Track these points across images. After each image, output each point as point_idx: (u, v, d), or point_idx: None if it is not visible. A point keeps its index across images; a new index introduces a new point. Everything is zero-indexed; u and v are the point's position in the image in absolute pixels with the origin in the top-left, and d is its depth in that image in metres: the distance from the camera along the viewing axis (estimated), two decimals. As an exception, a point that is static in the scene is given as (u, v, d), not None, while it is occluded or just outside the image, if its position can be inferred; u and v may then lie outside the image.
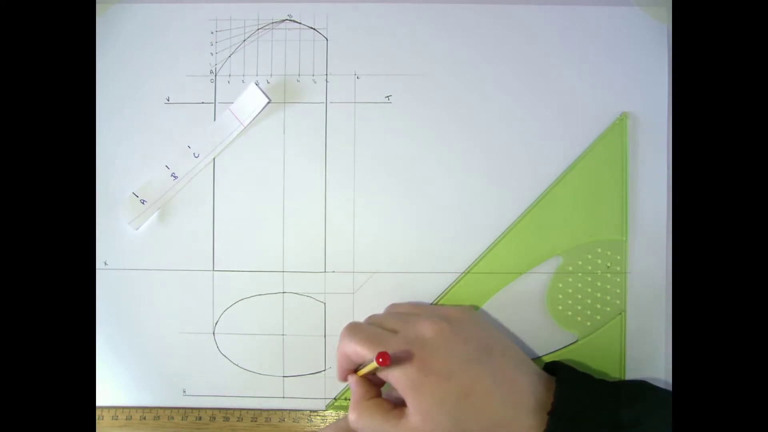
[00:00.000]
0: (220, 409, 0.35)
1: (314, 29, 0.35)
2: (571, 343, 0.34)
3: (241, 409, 0.35)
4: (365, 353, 0.28)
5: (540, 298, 0.35)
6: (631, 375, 0.34)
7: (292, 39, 0.35)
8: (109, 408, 0.35)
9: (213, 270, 0.35)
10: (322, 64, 0.35)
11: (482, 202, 0.35)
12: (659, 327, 0.34)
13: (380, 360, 0.25)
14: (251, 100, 0.35)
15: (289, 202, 0.35)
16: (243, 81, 0.35)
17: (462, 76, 0.35)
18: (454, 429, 0.27)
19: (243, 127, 0.35)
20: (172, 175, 0.35)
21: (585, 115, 0.35)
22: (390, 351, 0.26)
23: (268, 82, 0.35)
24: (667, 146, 0.34)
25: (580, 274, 0.34)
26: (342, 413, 0.35)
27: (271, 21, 0.36)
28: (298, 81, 0.35)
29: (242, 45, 0.35)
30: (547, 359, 0.34)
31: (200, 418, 0.35)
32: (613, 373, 0.34)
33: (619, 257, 0.34)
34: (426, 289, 0.35)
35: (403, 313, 0.32)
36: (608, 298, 0.34)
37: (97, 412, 0.35)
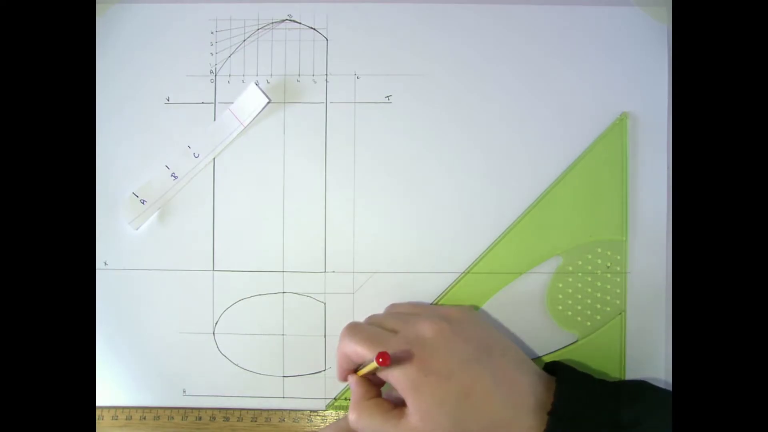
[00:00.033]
0: (220, 409, 0.35)
1: (314, 29, 0.35)
2: (571, 343, 0.34)
3: (241, 409, 0.35)
4: (365, 353, 0.28)
5: (540, 298, 0.35)
6: (631, 375, 0.34)
7: (292, 39, 0.35)
8: (109, 408, 0.35)
9: (213, 270, 0.35)
10: (322, 64, 0.35)
11: (482, 202, 0.35)
12: (659, 327, 0.34)
13: (380, 360, 0.25)
14: (251, 100, 0.35)
15: (289, 202, 0.35)
16: (243, 81, 0.35)
17: (462, 76, 0.35)
18: (454, 429, 0.27)
19: (243, 127, 0.35)
20: (172, 175, 0.35)
21: (585, 115, 0.35)
22: (390, 351, 0.26)
23: (268, 82, 0.35)
24: (667, 146, 0.34)
25: (580, 274, 0.34)
26: (342, 413, 0.35)
27: (271, 21, 0.36)
28: (298, 81, 0.35)
29: (242, 45, 0.35)
30: (547, 359, 0.34)
31: (200, 418, 0.35)
32: (613, 373, 0.34)
33: (619, 257, 0.34)
34: (426, 289, 0.35)
35: (403, 313, 0.32)
36: (608, 298, 0.34)
37: (97, 412, 0.35)
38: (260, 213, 0.35)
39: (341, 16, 0.35)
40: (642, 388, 0.30)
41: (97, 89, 0.35)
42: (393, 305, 0.34)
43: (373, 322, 0.31)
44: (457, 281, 0.35)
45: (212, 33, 0.36)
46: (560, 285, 0.34)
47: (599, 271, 0.34)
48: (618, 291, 0.34)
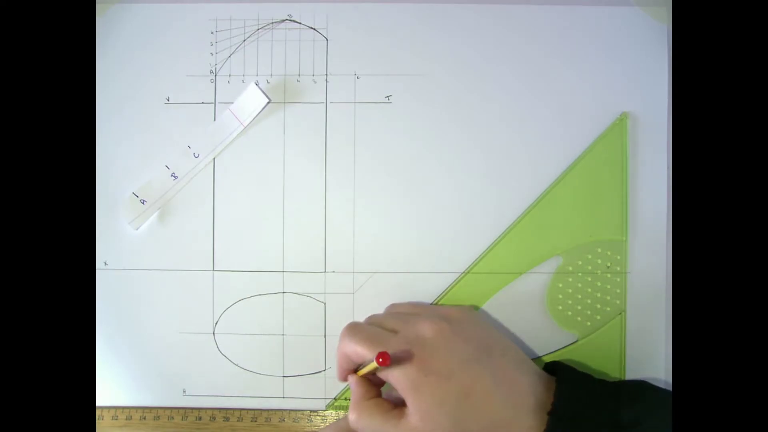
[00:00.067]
0: (220, 409, 0.35)
1: (314, 29, 0.35)
2: (571, 343, 0.34)
3: (241, 409, 0.35)
4: (365, 353, 0.28)
5: (540, 298, 0.35)
6: (631, 375, 0.34)
7: (292, 39, 0.35)
8: (109, 408, 0.35)
9: (213, 270, 0.35)
10: (322, 64, 0.35)
11: (482, 202, 0.35)
12: (659, 327, 0.34)
13: (380, 360, 0.25)
14: (251, 100, 0.35)
15: (289, 202, 0.35)
16: (243, 81, 0.35)
17: (462, 76, 0.35)
18: (454, 429, 0.27)
19: (243, 127, 0.35)
20: (172, 175, 0.35)
21: (585, 115, 0.35)
22: (390, 351, 0.26)
23: (268, 82, 0.35)
24: (667, 146, 0.34)
25: (580, 274, 0.34)
26: (342, 413, 0.35)
27: (271, 21, 0.36)
28: (298, 81, 0.35)
29: (242, 45, 0.35)
30: (547, 359, 0.34)
31: (200, 418, 0.35)
32: (613, 373, 0.34)
33: (619, 257, 0.34)
34: (426, 289, 0.35)
35: (403, 313, 0.32)
36: (608, 298, 0.34)
37: (97, 412, 0.35)
38: (260, 213, 0.35)
39: (341, 16, 0.35)
40: (642, 388, 0.30)
41: (97, 89, 0.35)
42: (393, 305, 0.34)
43: (373, 322, 0.31)
44: (457, 281, 0.35)
45: (212, 33, 0.36)
46: (560, 285, 0.34)
47: (599, 271, 0.34)
48: (618, 291, 0.34)
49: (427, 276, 0.35)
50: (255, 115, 0.35)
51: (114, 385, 0.35)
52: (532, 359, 0.33)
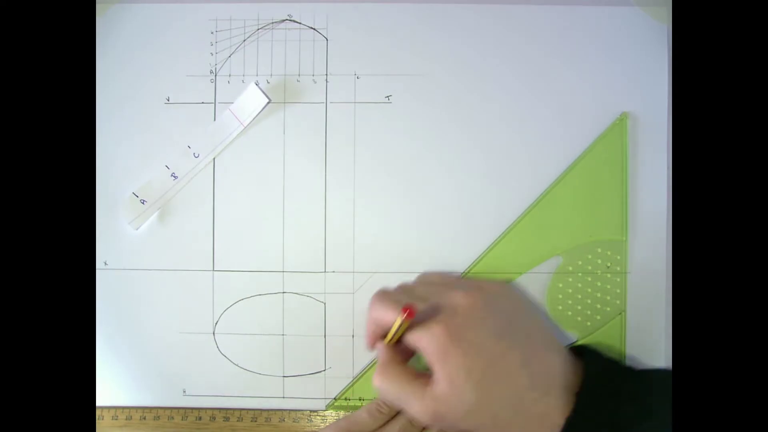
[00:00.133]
0: (220, 409, 0.35)
1: (314, 29, 0.35)
2: (571, 343, 0.34)
3: (241, 409, 0.35)
4: (394, 317, 0.27)
5: (540, 298, 0.35)
6: (631, 375, 0.34)
7: (292, 39, 0.35)
8: (109, 408, 0.35)
9: (213, 270, 0.35)
10: (322, 64, 0.35)
11: (482, 202, 0.35)
12: (659, 327, 0.34)
13: (406, 313, 0.25)
14: (251, 100, 0.35)
15: (289, 202, 0.35)
16: (243, 81, 0.35)
17: (462, 76, 0.35)
18: (478, 402, 0.26)
19: (243, 127, 0.35)
20: (172, 175, 0.35)
21: (585, 115, 0.35)
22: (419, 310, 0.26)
23: (268, 82, 0.35)
24: (667, 146, 0.34)
25: (580, 274, 0.34)
26: (342, 413, 0.35)
27: (271, 21, 0.36)
28: (298, 81, 0.35)
29: (242, 45, 0.35)
30: (547, 359, 0.34)
31: (200, 418, 0.35)
32: (613, 373, 0.34)
33: (619, 257, 0.34)
34: (426, 289, 0.35)
35: (435, 283, 0.32)
36: (608, 298, 0.34)
37: (97, 412, 0.35)
38: (260, 213, 0.35)
39: (341, 16, 0.35)
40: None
41: (97, 89, 0.35)
42: (424, 275, 0.34)
43: (405, 289, 0.31)
44: (457, 281, 0.35)
45: (212, 33, 0.36)
46: (560, 285, 0.34)
47: (599, 271, 0.34)
48: (618, 291, 0.34)
49: (427, 276, 0.35)
50: (255, 115, 0.35)
51: (114, 385, 0.35)
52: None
